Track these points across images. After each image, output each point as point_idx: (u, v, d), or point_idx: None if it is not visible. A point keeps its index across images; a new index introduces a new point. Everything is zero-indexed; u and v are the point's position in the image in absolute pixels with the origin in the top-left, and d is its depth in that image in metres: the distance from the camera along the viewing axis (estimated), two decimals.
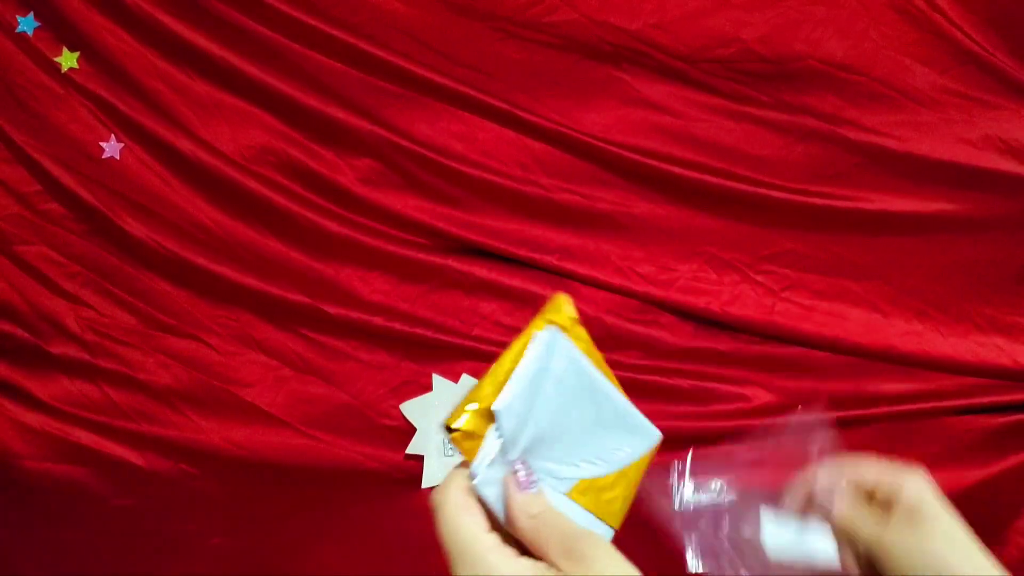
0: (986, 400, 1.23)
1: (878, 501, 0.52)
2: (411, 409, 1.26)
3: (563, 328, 0.54)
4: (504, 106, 1.25)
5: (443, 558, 1.10)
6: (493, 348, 1.27)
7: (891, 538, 0.50)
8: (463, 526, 0.40)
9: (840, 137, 1.22)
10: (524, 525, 0.41)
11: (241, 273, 1.29)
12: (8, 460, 1.26)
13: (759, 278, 1.27)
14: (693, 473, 0.53)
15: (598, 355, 0.54)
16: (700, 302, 1.26)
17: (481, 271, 1.28)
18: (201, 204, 1.30)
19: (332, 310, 1.28)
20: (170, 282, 1.30)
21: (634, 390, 1.23)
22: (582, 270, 1.27)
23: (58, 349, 1.29)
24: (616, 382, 0.55)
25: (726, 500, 0.51)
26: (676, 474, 0.52)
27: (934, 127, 1.21)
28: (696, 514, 0.53)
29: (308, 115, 1.27)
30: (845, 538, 0.52)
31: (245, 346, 1.30)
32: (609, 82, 1.24)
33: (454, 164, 1.26)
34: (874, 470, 0.53)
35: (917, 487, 0.51)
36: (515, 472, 0.44)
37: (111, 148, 1.29)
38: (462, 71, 1.25)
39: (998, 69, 1.19)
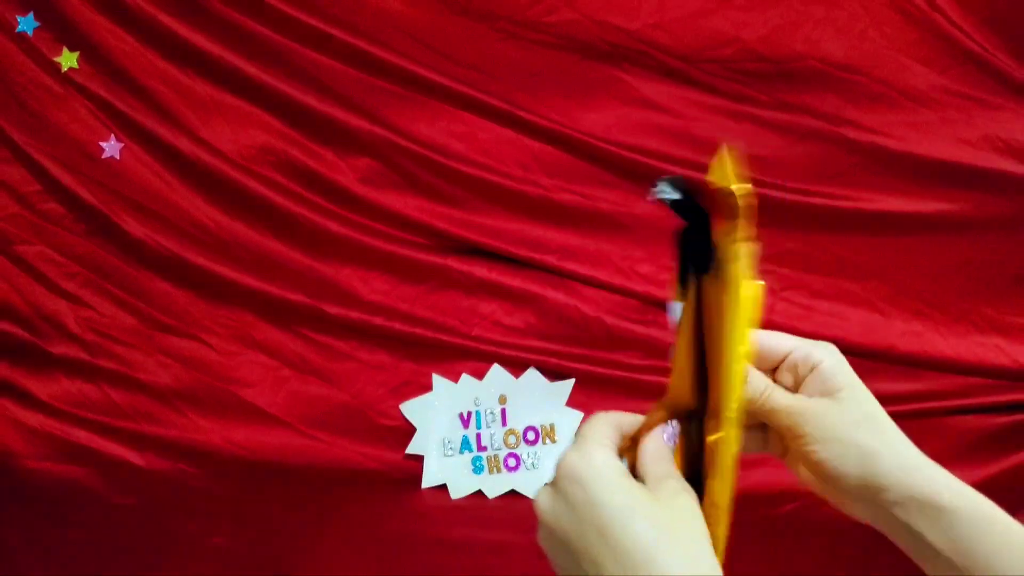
0: (986, 400, 1.23)
1: (786, 370, 0.50)
2: (411, 409, 1.26)
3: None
4: (504, 106, 1.25)
5: (442, 558, 1.10)
6: (493, 348, 1.27)
7: (806, 405, 0.47)
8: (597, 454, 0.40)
9: (840, 137, 1.22)
10: (647, 459, 0.42)
11: (241, 273, 1.29)
12: (8, 460, 1.26)
13: (759, 278, 1.27)
14: None
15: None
16: None
17: (481, 271, 1.28)
18: (201, 204, 1.30)
19: (332, 310, 1.28)
20: (170, 282, 1.30)
21: (635, 390, 1.24)
22: (582, 270, 1.27)
23: (58, 349, 1.29)
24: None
25: None
26: None
27: (934, 127, 1.21)
28: None
29: (308, 115, 1.27)
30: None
31: (245, 346, 1.30)
32: (609, 82, 1.24)
33: (454, 164, 1.26)
34: (786, 341, 0.50)
35: (833, 357, 0.48)
36: (667, 425, 0.44)
37: (111, 148, 1.29)
38: (462, 71, 1.25)
39: (998, 69, 1.19)
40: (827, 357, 0.48)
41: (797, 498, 1.13)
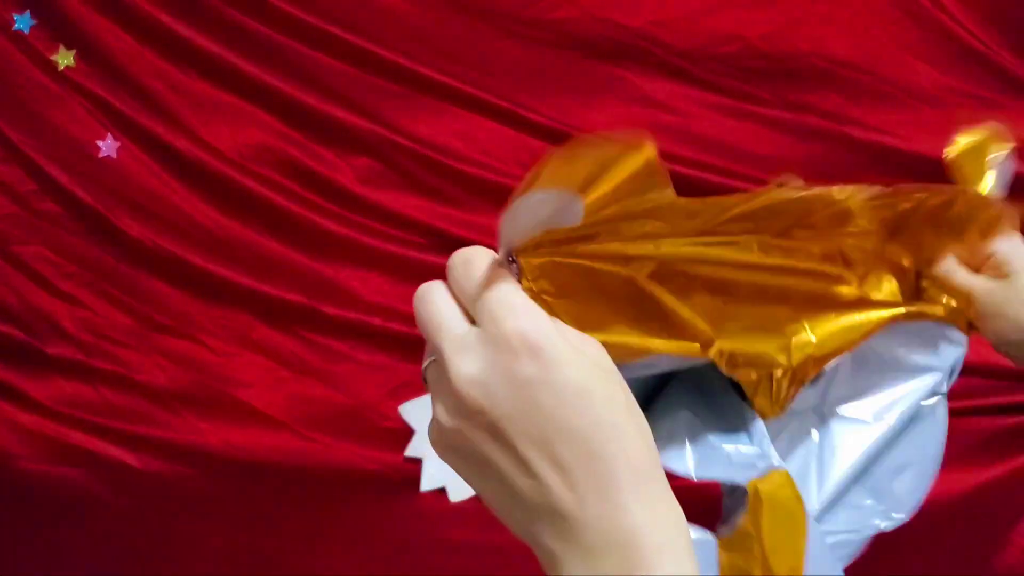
0: (988, 401, 1.22)
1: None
2: (409, 410, 1.26)
3: None
4: (504, 104, 1.25)
5: (441, 559, 1.09)
6: None
7: (976, 285, 0.56)
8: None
9: (843, 135, 1.22)
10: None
11: (239, 273, 1.28)
12: (4, 461, 1.25)
13: None
14: None
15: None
16: None
17: None
18: (199, 204, 1.29)
19: (330, 311, 1.27)
20: (167, 282, 1.30)
21: None
22: None
23: (54, 350, 1.28)
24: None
25: None
26: None
27: (937, 125, 1.21)
28: None
29: (307, 114, 1.27)
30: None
31: (243, 347, 1.30)
32: (611, 80, 1.24)
33: (454, 163, 1.26)
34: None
35: (1009, 243, 0.57)
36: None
37: (108, 147, 1.28)
38: (462, 69, 1.25)
39: (1002, 67, 1.19)
40: (1003, 244, 0.58)
41: None
